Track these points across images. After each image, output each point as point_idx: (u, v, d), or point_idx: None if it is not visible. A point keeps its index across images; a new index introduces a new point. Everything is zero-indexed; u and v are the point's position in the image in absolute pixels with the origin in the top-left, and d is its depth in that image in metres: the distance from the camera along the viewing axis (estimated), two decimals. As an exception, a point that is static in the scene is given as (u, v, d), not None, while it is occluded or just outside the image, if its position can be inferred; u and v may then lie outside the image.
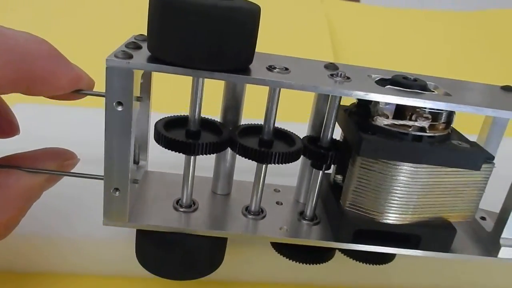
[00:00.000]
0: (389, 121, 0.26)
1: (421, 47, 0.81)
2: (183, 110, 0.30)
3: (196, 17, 0.22)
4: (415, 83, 0.27)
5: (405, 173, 0.27)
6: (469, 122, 0.33)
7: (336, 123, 0.29)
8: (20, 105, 0.45)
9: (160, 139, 0.27)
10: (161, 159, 0.36)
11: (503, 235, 0.30)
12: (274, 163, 0.27)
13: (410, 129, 0.26)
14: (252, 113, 0.33)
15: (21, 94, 0.24)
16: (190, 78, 0.26)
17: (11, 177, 0.26)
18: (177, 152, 0.27)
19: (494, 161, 0.33)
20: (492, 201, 0.32)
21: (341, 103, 0.28)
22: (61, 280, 0.33)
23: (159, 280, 0.29)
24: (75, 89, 0.25)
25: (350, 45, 0.77)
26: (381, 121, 0.26)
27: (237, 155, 0.31)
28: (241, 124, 0.31)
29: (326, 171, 0.34)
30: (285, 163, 0.27)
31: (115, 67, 0.24)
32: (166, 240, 0.28)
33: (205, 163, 0.33)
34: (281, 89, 0.26)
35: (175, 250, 0.28)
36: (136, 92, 0.26)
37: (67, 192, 0.33)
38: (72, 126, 0.42)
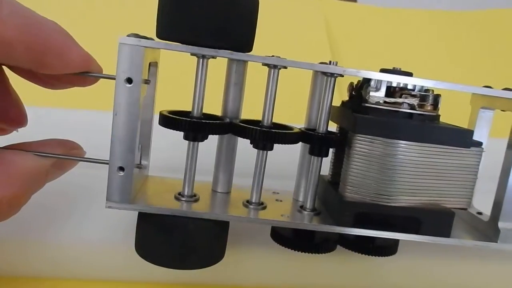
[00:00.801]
0: (381, 98, 0.28)
1: (419, 46, 0.82)
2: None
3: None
4: (402, 71, 0.30)
5: (400, 151, 0.28)
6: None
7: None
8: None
9: (166, 120, 0.28)
10: (162, 163, 0.37)
11: (501, 221, 0.30)
12: (275, 143, 0.28)
13: (401, 106, 0.28)
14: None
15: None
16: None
17: (16, 155, 0.27)
18: (180, 131, 0.28)
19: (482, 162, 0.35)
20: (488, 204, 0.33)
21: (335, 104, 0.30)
22: (47, 284, 0.32)
23: (149, 285, 0.28)
24: (86, 70, 0.27)
25: (348, 45, 0.77)
26: (374, 98, 0.28)
27: (237, 152, 0.32)
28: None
29: (322, 175, 0.35)
30: (285, 143, 0.29)
31: (127, 44, 0.26)
32: (166, 223, 0.28)
33: (206, 167, 0.34)
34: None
35: (176, 233, 0.28)
36: (145, 75, 0.27)
37: (56, 196, 0.33)
38: (73, 129, 0.43)
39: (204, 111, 0.30)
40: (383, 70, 0.30)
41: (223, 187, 0.33)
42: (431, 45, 0.84)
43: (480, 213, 0.34)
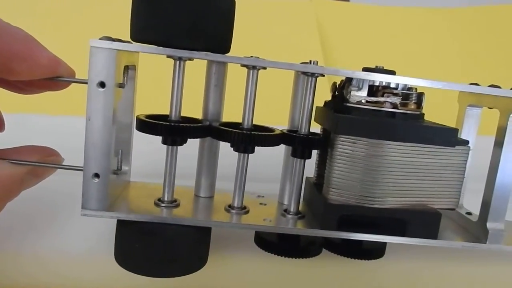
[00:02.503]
0: (362, 97, 0.27)
1: (412, 45, 0.81)
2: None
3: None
4: (384, 70, 0.29)
5: (383, 151, 0.27)
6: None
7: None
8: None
9: (142, 125, 0.27)
10: (146, 168, 0.36)
11: (489, 222, 0.30)
12: (255, 145, 0.28)
13: (383, 105, 0.27)
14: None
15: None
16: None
17: None
18: (158, 136, 0.28)
19: (472, 161, 0.34)
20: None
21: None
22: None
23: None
24: (55, 75, 0.26)
25: (339, 44, 0.76)
26: (354, 98, 0.27)
27: (219, 155, 0.32)
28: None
29: (309, 176, 0.34)
30: (266, 146, 0.28)
31: (98, 47, 0.25)
32: (146, 230, 0.27)
33: (191, 171, 0.33)
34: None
35: (155, 241, 0.27)
36: (120, 78, 0.27)
37: (33, 204, 0.33)
38: (53, 135, 0.42)
39: (187, 113, 0.29)
40: (365, 69, 0.29)
41: (206, 191, 0.32)
42: (424, 43, 0.83)
43: (469, 213, 0.33)
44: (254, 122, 0.29)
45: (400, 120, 0.27)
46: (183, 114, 0.29)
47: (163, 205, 0.29)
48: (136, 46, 0.25)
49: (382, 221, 0.29)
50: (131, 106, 0.32)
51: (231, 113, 0.33)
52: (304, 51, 0.71)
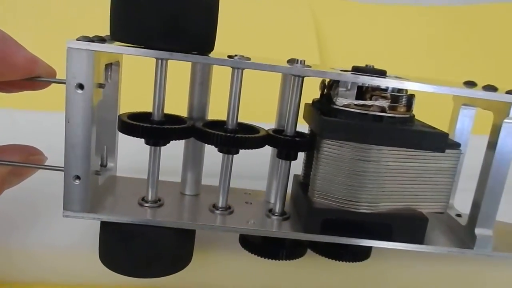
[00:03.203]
0: (349, 101, 0.26)
1: (410, 43, 0.80)
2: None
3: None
4: (374, 69, 0.28)
5: (370, 156, 0.27)
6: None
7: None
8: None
9: (123, 126, 0.27)
10: (131, 165, 0.36)
11: (477, 227, 0.29)
12: (238, 148, 0.27)
13: (370, 109, 0.27)
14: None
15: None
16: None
17: None
18: (140, 138, 0.27)
19: (466, 160, 0.33)
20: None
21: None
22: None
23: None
24: (33, 75, 0.25)
25: (336, 42, 0.75)
26: (341, 101, 0.26)
27: (205, 153, 0.31)
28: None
29: (297, 174, 0.34)
30: (249, 148, 0.27)
31: (74, 48, 0.24)
32: (127, 232, 0.27)
33: (174, 167, 0.33)
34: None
35: (136, 242, 0.27)
36: (100, 79, 0.26)
37: (23, 199, 0.33)
38: (38, 131, 0.42)
39: (174, 110, 0.28)
40: (354, 69, 0.28)
41: (191, 189, 0.32)
42: (422, 41, 0.82)
43: (459, 215, 0.33)
44: (242, 118, 0.28)
45: (388, 124, 0.27)
46: (169, 110, 0.29)
47: (146, 205, 0.29)
48: (113, 47, 0.25)
49: (367, 226, 0.28)
50: (115, 102, 0.32)
51: (218, 109, 0.32)
52: (300, 48, 0.70)
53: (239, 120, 0.29)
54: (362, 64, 0.29)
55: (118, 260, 0.28)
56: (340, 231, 0.28)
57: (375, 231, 0.28)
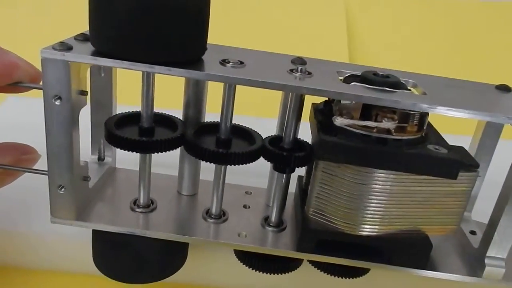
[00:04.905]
0: (348, 121, 0.23)
1: (448, 38, 0.76)
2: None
3: (127, 3, 0.21)
4: (385, 80, 0.25)
5: (371, 179, 0.24)
6: (464, 123, 0.29)
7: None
8: (12, 98, 0.46)
9: (110, 136, 0.26)
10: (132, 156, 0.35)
11: (489, 253, 0.26)
12: (228, 164, 0.25)
13: (374, 131, 0.24)
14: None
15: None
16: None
17: None
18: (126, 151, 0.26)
19: (490, 166, 0.30)
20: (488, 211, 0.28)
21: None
22: (19, 275, 0.32)
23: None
24: (12, 80, 0.24)
25: (368, 35, 0.73)
26: (340, 121, 0.23)
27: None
28: (204, 120, 0.29)
29: (301, 176, 0.32)
30: (240, 164, 0.25)
31: (49, 58, 0.22)
32: (115, 240, 0.27)
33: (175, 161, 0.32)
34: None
35: (124, 251, 0.27)
36: (81, 85, 0.24)
37: (27, 186, 0.32)
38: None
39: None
40: (362, 79, 0.25)
41: (188, 190, 0.31)
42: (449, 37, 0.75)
43: (473, 233, 0.30)
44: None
45: (393, 148, 0.24)
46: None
47: (138, 210, 0.28)
48: (89, 58, 0.22)
49: (365, 248, 0.26)
50: (112, 93, 0.30)
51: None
52: (330, 42, 0.67)
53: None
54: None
55: (107, 265, 0.28)
56: (335, 251, 0.26)
57: (373, 253, 0.26)
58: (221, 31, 0.67)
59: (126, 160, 0.33)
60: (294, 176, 0.31)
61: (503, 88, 0.28)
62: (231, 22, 0.73)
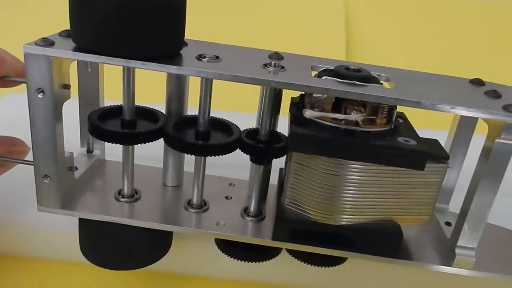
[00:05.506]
0: (316, 114, 0.24)
1: (445, 36, 0.76)
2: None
3: (102, 1, 0.22)
4: (357, 74, 0.25)
5: (342, 170, 0.25)
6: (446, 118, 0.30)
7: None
8: (10, 94, 0.47)
9: (91, 128, 0.27)
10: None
11: (459, 243, 0.27)
12: (205, 155, 0.27)
13: (342, 123, 0.24)
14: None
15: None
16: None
17: None
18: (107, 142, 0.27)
19: (469, 159, 0.31)
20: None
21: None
22: (14, 263, 0.34)
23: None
24: (0, 74, 0.25)
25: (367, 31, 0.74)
26: (309, 114, 0.24)
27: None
28: (187, 113, 0.30)
29: (280, 167, 0.33)
30: (216, 155, 0.27)
31: (31, 54, 0.24)
32: (99, 228, 0.28)
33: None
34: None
35: (108, 239, 0.28)
36: (64, 79, 0.26)
37: (22, 178, 0.34)
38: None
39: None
40: (335, 73, 0.26)
41: (172, 181, 0.32)
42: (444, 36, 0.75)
43: (448, 224, 0.31)
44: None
45: (361, 140, 0.24)
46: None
47: (122, 200, 0.29)
48: (70, 53, 0.24)
49: (338, 237, 0.27)
50: (98, 85, 0.31)
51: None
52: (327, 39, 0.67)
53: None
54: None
55: (92, 252, 0.29)
56: (310, 240, 0.27)
57: (347, 243, 0.27)
58: (219, 29, 0.69)
59: (116, 153, 0.35)
60: (276, 169, 0.32)
61: (476, 82, 0.29)
62: (228, 20, 0.75)
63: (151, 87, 0.36)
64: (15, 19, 0.70)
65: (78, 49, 0.24)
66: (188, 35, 0.26)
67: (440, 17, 0.81)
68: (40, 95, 0.24)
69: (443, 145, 0.31)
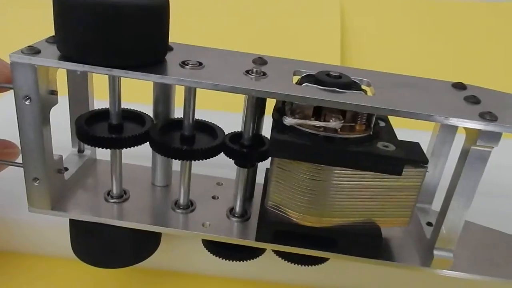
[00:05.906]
0: (295, 121, 0.25)
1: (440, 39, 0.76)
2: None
3: (81, 11, 0.22)
4: (337, 80, 0.26)
5: (323, 175, 0.26)
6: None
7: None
8: (7, 97, 0.48)
9: (78, 133, 0.27)
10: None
11: (438, 244, 0.28)
12: (190, 160, 0.27)
13: (321, 130, 0.25)
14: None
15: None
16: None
17: None
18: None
19: (448, 160, 0.31)
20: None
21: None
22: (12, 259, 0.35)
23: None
24: None
25: (362, 35, 0.74)
26: (288, 121, 0.25)
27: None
28: (174, 115, 0.31)
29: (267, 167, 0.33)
30: (200, 160, 0.27)
31: (17, 62, 0.24)
32: (89, 228, 0.29)
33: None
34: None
35: (96, 238, 0.29)
36: (51, 86, 0.26)
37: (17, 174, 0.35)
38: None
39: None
40: (316, 80, 0.26)
41: (161, 181, 0.33)
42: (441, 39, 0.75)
43: (430, 224, 0.31)
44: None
45: (340, 146, 0.25)
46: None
47: (111, 200, 0.30)
48: (55, 62, 0.24)
49: (320, 238, 0.28)
50: (87, 91, 0.32)
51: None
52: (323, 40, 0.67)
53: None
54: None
55: (81, 250, 0.30)
56: (292, 241, 0.28)
57: (328, 244, 0.28)
58: (216, 31, 0.68)
59: (107, 152, 0.35)
60: (263, 169, 0.33)
61: (458, 86, 0.29)
62: (224, 22, 0.74)
63: (140, 87, 0.36)
64: (7, 24, 0.71)
65: (63, 57, 0.24)
66: (187, 35, 0.27)
67: (435, 20, 0.81)
68: (27, 102, 0.25)
69: (426, 145, 0.32)
